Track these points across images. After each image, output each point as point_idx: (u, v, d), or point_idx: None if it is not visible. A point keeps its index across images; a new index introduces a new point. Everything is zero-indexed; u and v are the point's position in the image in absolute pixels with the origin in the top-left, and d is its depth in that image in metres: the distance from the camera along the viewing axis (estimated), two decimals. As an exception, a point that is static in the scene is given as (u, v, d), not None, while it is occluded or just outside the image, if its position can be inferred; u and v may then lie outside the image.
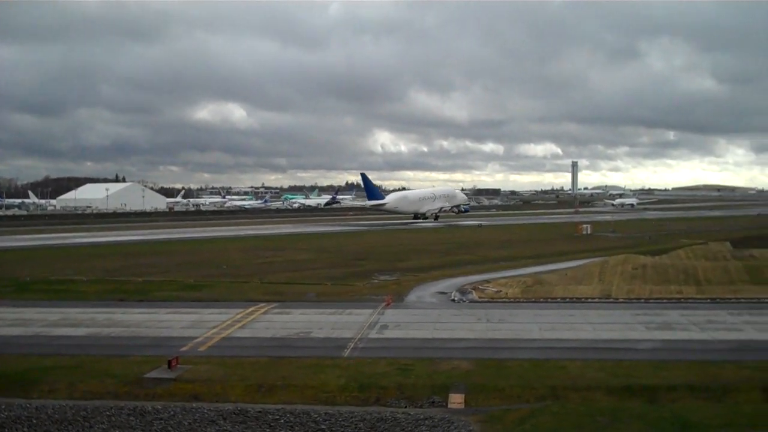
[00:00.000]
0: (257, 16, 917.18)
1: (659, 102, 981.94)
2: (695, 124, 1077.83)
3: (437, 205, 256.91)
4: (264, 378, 57.65)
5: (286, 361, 62.77)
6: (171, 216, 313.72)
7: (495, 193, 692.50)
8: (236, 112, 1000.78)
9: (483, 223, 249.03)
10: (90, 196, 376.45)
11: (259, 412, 52.04)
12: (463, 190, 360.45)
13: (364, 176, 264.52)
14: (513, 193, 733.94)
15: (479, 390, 55.14)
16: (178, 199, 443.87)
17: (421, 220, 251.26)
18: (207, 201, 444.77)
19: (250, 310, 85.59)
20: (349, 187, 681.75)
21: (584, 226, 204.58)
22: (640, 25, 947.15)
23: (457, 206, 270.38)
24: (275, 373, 58.99)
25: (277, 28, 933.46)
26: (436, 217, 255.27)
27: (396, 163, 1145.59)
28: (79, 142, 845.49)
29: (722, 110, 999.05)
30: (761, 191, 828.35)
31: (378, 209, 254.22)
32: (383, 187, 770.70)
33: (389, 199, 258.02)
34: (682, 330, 76.44)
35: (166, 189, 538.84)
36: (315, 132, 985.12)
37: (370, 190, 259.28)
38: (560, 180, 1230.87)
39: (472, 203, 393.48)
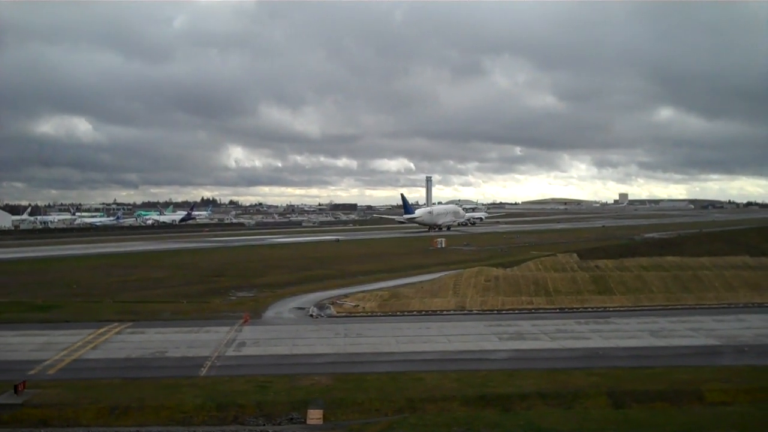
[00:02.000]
0: (96, 28, 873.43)
1: (505, 118, 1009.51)
2: (540, 140, 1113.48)
3: (449, 219, 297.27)
4: (117, 400, 55.93)
5: (141, 382, 61.29)
6: (17, 234, 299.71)
7: (352, 208, 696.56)
8: (81, 126, 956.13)
9: (341, 237, 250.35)
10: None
11: (112, 435, 50.53)
12: (320, 205, 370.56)
13: (403, 196, 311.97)
14: (369, 207, 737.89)
15: (338, 405, 55.30)
16: (24, 216, 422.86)
17: (436, 230, 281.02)
18: (55, 218, 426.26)
19: (103, 330, 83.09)
20: (205, 203, 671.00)
21: (439, 239, 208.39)
22: (482, 43, 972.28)
23: (470, 219, 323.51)
24: (129, 394, 57.38)
25: (118, 40, 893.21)
26: (449, 228, 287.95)
27: (251, 179, 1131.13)
28: None
29: (564, 126, 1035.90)
30: (604, 204, 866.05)
31: (410, 221, 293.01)
32: (239, 202, 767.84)
33: (418, 213, 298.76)
34: (534, 339, 79.21)
35: (11, 206, 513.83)
36: (166, 147, 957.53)
37: (406, 206, 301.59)
38: (414, 194, 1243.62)
39: (330, 218, 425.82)
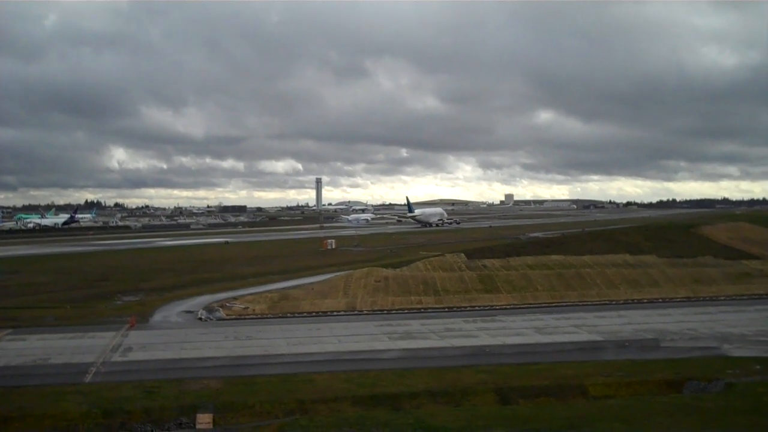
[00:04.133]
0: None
1: (390, 120, 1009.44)
2: (425, 142, 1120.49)
3: (437, 218, 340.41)
4: (-3, 410, 54.06)
5: (22, 390, 59.38)
6: None
7: (241, 209, 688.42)
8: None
9: (230, 240, 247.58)
10: None
11: (-8, 446, 48.75)
12: (208, 207, 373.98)
13: (407, 198, 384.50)
14: (259, 209, 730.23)
15: (228, 408, 54.86)
16: None
17: (428, 226, 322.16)
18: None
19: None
20: (89, 206, 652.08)
21: (329, 241, 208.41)
22: (362, 45, 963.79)
23: (455, 219, 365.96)
24: (10, 404, 55.46)
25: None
26: (438, 225, 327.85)
27: (136, 181, 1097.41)
28: None
29: (448, 128, 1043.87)
30: (491, 205, 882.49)
31: (412, 218, 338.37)
32: (125, 205, 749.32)
33: (417, 212, 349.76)
34: (423, 338, 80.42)
35: None
36: (44, 148, 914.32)
37: (409, 207, 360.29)
38: (303, 196, 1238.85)
39: (219, 220, 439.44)
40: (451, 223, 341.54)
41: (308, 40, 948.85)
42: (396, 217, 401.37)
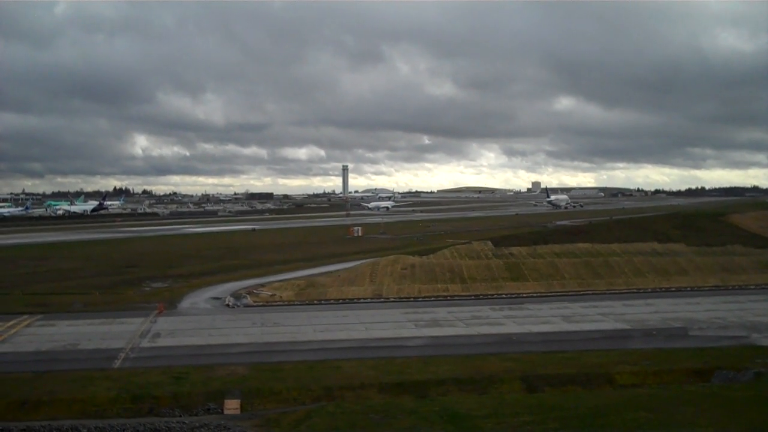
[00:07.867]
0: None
1: (410, 106, 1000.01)
2: (446, 129, 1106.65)
3: (564, 203, 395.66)
4: (28, 394, 54.69)
5: (52, 375, 60.00)
6: None
7: (268, 197, 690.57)
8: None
9: (257, 227, 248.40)
10: None
11: (23, 430, 49.19)
12: (235, 194, 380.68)
13: (546, 188, 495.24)
14: (286, 197, 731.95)
15: (255, 394, 55.20)
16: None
17: (557, 209, 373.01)
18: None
19: (12, 323, 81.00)
20: (118, 193, 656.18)
21: (355, 228, 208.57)
22: (377, 30, 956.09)
23: (578, 203, 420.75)
24: (40, 388, 56.13)
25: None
26: (565, 208, 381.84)
27: (161, 168, 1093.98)
28: None
29: (469, 115, 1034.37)
30: (518, 192, 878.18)
31: (548, 203, 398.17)
32: (153, 192, 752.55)
33: (552, 198, 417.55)
34: (449, 326, 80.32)
35: None
36: (67, 135, 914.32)
37: (547, 194, 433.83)
38: (329, 183, 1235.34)
39: (246, 207, 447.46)
40: (575, 207, 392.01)
41: (322, 24, 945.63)
42: (533, 202, 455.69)
